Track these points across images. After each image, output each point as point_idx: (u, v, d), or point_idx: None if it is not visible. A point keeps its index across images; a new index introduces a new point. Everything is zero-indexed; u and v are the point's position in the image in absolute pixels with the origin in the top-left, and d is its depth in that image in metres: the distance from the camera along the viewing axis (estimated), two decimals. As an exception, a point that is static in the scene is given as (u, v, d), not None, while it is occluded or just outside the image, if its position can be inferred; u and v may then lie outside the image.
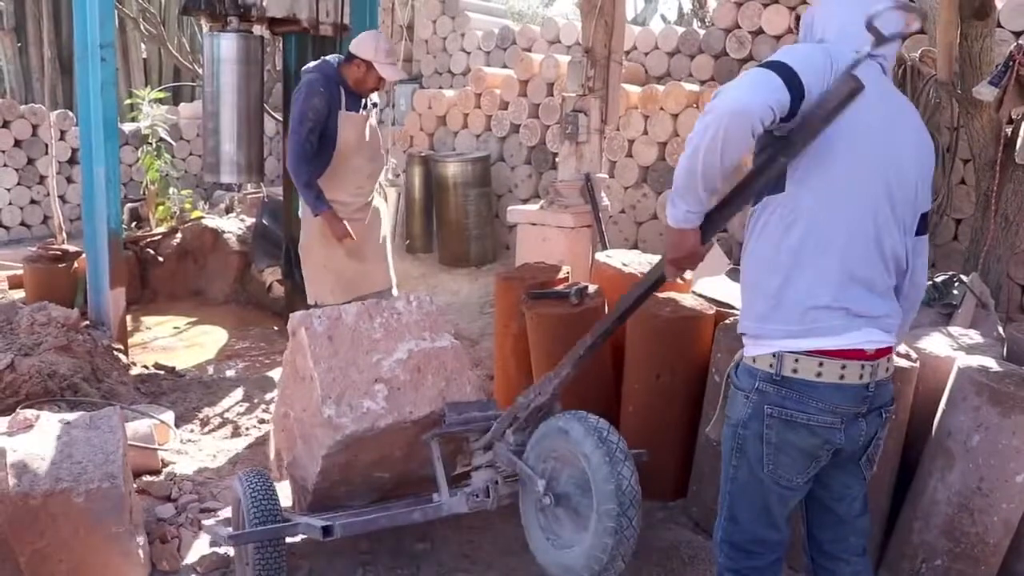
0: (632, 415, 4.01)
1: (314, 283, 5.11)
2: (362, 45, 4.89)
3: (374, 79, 4.92)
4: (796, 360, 2.28)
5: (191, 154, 12.10)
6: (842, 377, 2.29)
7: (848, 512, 2.58)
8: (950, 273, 4.58)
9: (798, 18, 2.71)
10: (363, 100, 5.07)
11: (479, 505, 2.99)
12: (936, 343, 3.72)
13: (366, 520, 3.01)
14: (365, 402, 3.08)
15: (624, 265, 4.37)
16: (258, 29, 6.16)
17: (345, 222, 4.88)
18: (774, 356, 2.31)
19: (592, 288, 4.14)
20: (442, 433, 3.08)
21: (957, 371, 3.32)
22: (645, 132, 8.56)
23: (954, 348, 3.66)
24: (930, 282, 4.41)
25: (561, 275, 4.49)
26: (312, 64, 5.13)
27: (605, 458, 2.59)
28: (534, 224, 6.29)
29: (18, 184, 10.37)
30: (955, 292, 4.40)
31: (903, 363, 3.36)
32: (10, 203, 10.34)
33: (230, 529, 3.28)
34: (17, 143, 10.31)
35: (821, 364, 2.28)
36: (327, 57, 5.14)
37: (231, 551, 3.41)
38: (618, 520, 2.56)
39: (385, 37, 4.99)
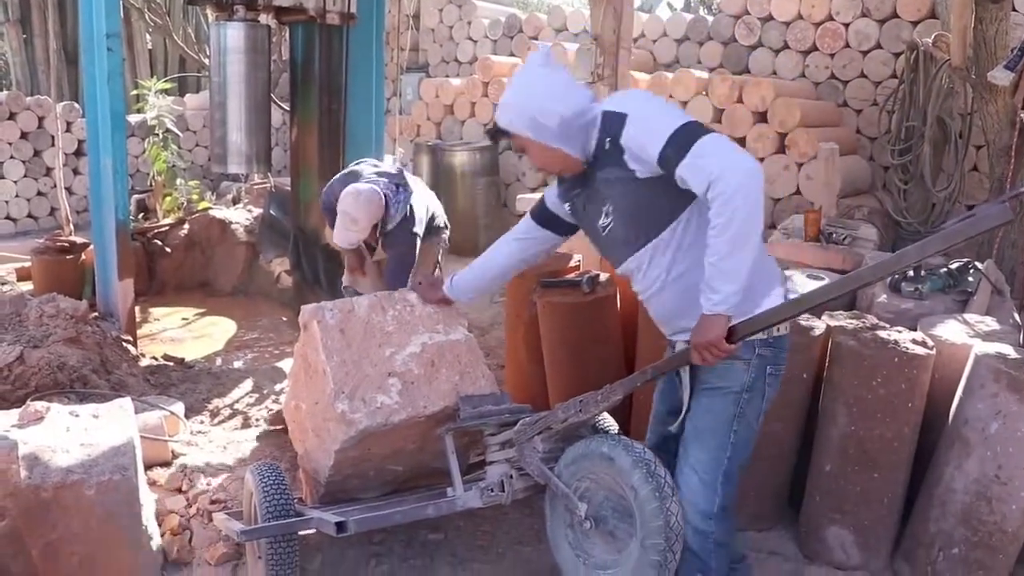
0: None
1: None
2: None
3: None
4: None
5: (197, 145, 12.08)
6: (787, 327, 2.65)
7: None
8: (965, 260, 4.53)
9: None
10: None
11: (494, 500, 2.96)
12: (952, 330, 3.68)
13: (380, 516, 2.98)
14: (379, 397, 3.04)
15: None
16: (264, 18, 6.12)
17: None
18: None
19: (603, 277, 4.11)
20: (457, 427, 3.05)
21: (974, 358, 3.29)
22: (654, 119, 8.49)
23: (970, 335, 3.63)
24: (944, 269, 4.37)
25: (572, 264, 4.46)
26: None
27: (655, 493, 2.55)
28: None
29: (24, 176, 10.34)
30: (970, 279, 4.36)
31: (918, 350, 3.33)
32: (17, 195, 10.32)
33: (242, 524, 3.24)
34: (23, 135, 10.29)
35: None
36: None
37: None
38: (663, 555, 2.55)
39: (353, 198, 4.18)
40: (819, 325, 3.65)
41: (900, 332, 3.49)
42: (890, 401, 3.32)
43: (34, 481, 3.02)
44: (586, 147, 2.63)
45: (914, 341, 3.41)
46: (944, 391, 3.44)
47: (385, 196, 4.25)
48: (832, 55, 9.01)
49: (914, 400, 3.34)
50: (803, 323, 3.64)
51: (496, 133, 2.83)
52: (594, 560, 2.76)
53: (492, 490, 2.97)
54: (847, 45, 8.90)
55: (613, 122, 2.55)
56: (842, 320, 3.67)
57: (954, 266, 4.41)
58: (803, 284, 4.49)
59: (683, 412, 2.68)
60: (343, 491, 3.32)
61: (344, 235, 4.24)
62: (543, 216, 3.00)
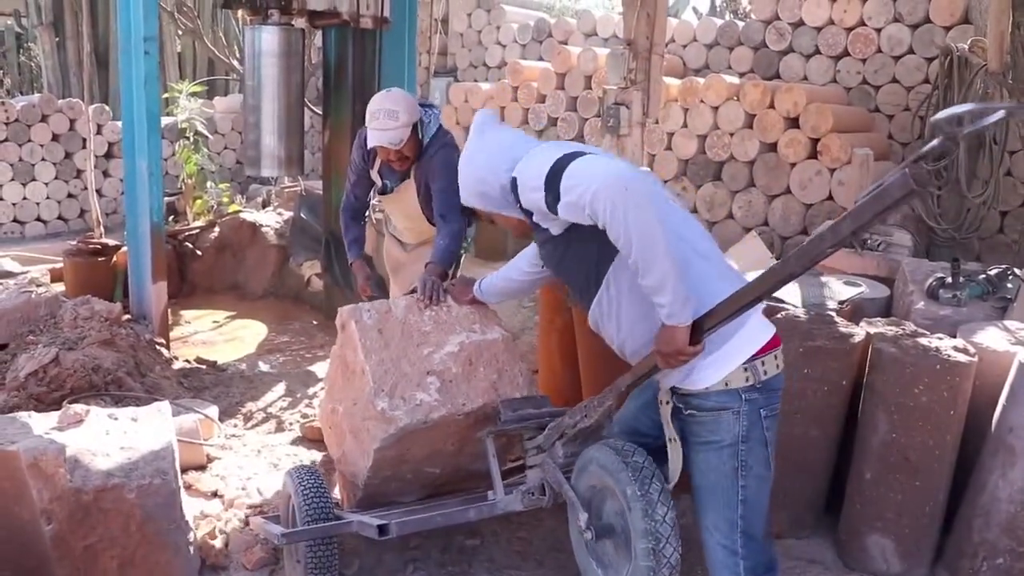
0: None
1: None
2: None
3: (380, 150, 4.02)
4: (763, 363, 2.46)
5: (226, 147, 12.14)
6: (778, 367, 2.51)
7: None
8: (1003, 266, 4.50)
9: None
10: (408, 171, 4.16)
11: (534, 503, 2.94)
12: (993, 337, 3.65)
13: (421, 519, 2.97)
14: (418, 395, 3.03)
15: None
16: (298, 22, 6.14)
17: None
18: (745, 369, 2.43)
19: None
20: (498, 431, 3.04)
21: (1019, 366, 3.25)
22: (685, 125, 8.48)
23: (1012, 342, 3.59)
24: (983, 275, 4.34)
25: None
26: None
27: (644, 510, 2.46)
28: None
29: (56, 178, 10.42)
30: (1009, 285, 4.33)
31: (961, 358, 3.30)
32: (48, 197, 10.39)
33: (280, 528, 3.25)
34: (55, 137, 10.36)
35: (777, 356, 2.50)
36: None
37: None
38: (653, 560, 2.46)
39: (383, 95, 3.96)
40: (858, 332, 3.62)
41: (941, 339, 3.46)
42: (932, 408, 3.28)
43: (75, 484, 3.03)
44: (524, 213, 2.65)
45: (956, 348, 3.38)
46: (986, 399, 3.40)
47: None
48: (864, 60, 8.94)
49: (956, 408, 3.31)
50: (842, 330, 3.62)
51: (465, 211, 2.95)
52: (607, 566, 2.72)
53: (533, 494, 2.96)
54: (879, 50, 8.83)
55: (515, 188, 2.58)
56: (881, 327, 3.64)
57: (993, 272, 4.38)
58: (840, 290, 4.47)
59: (672, 466, 2.55)
60: (381, 494, 3.31)
61: (384, 135, 3.85)
62: None
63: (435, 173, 3.95)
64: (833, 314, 3.89)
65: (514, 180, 2.57)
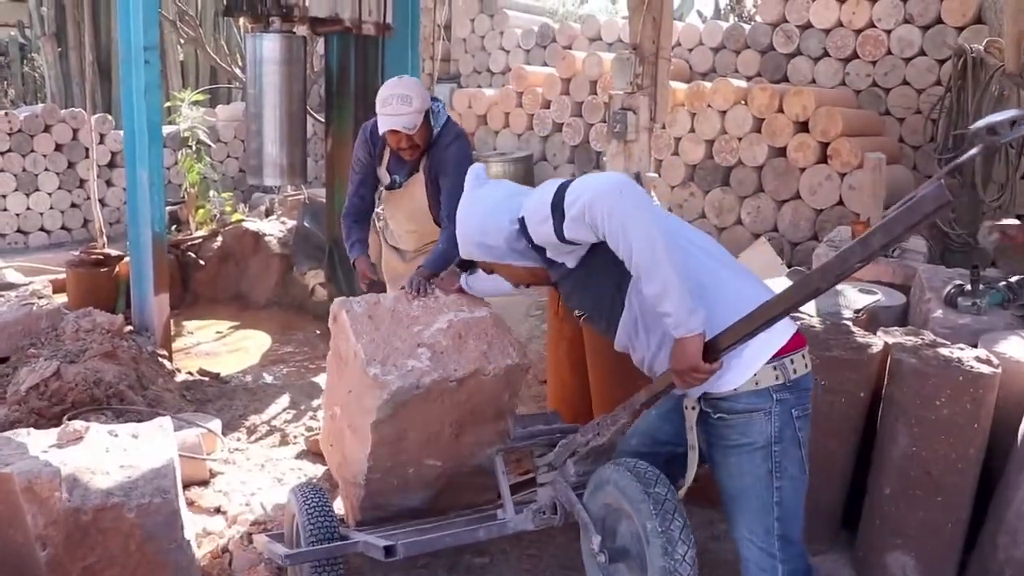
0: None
1: None
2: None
3: (391, 137, 3.93)
4: (792, 360, 2.41)
5: (229, 156, 12.07)
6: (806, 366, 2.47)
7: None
8: (1024, 273, 4.40)
9: None
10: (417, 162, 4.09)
11: (545, 523, 2.86)
12: (1016, 347, 3.54)
13: (429, 539, 2.90)
14: (410, 362, 3.00)
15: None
16: (300, 29, 6.08)
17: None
18: (774, 368, 2.39)
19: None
20: (508, 448, 2.95)
21: (1045, 377, 3.15)
22: (692, 129, 8.40)
23: (1035, 352, 3.49)
24: (1004, 283, 4.23)
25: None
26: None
27: (664, 548, 2.36)
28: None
29: (59, 188, 10.37)
30: (1029, 292, 4.22)
31: (984, 369, 3.20)
32: (51, 207, 10.34)
33: (284, 547, 3.17)
34: (58, 147, 10.32)
35: (804, 356, 2.45)
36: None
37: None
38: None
39: (394, 82, 3.93)
40: (876, 342, 3.53)
41: (963, 349, 3.37)
42: (954, 421, 3.19)
43: (74, 503, 2.96)
44: (535, 256, 2.61)
45: (978, 359, 3.28)
46: (1010, 411, 3.30)
47: None
48: (873, 63, 8.85)
49: (980, 420, 3.21)
50: (860, 340, 3.53)
51: (463, 264, 2.92)
52: None
53: (544, 512, 2.88)
54: (889, 52, 8.74)
55: (524, 229, 2.55)
56: (899, 337, 3.54)
57: (1014, 280, 4.27)
58: (855, 299, 4.37)
59: (688, 474, 2.51)
60: (383, 494, 3.21)
61: (398, 119, 3.79)
62: None
63: (448, 166, 3.91)
64: (849, 323, 3.80)
65: (522, 220, 2.54)
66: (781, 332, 2.42)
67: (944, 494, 3.24)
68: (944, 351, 3.33)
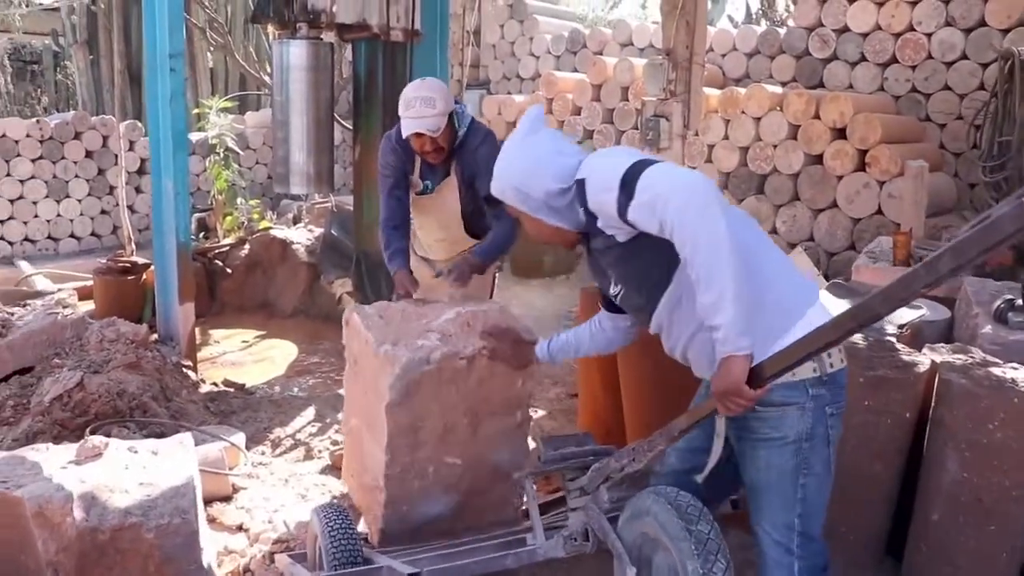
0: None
1: None
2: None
3: (415, 140, 3.84)
4: (828, 354, 2.33)
5: (257, 163, 12.06)
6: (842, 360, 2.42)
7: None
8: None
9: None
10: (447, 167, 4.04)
11: (577, 549, 2.74)
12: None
13: (456, 566, 2.78)
14: (419, 341, 3.10)
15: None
16: (327, 36, 6.00)
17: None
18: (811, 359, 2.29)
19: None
20: (538, 472, 2.84)
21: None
22: (726, 136, 8.25)
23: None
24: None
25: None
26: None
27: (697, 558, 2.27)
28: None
29: (89, 195, 10.41)
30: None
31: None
32: (81, 213, 10.39)
33: (306, 568, 3.07)
34: (88, 154, 10.36)
35: (840, 349, 2.37)
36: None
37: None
38: None
39: (417, 84, 3.88)
40: (923, 360, 3.37)
41: (1017, 369, 3.20)
42: (1008, 446, 3.02)
43: (91, 523, 2.91)
44: (578, 219, 2.53)
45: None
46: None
47: None
48: (913, 67, 8.66)
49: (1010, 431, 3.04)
50: (905, 358, 3.38)
51: (489, 200, 2.83)
52: None
53: (576, 539, 2.76)
54: (930, 56, 8.53)
55: (581, 191, 2.46)
56: (947, 355, 3.38)
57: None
58: (899, 313, 4.21)
59: (711, 461, 2.43)
60: (405, 500, 3.13)
61: (422, 122, 3.73)
62: (607, 302, 2.86)
63: (481, 166, 3.81)
64: (894, 340, 3.64)
65: (581, 183, 2.44)
66: (817, 324, 2.31)
67: (997, 523, 3.08)
68: (996, 371, 3.17)
